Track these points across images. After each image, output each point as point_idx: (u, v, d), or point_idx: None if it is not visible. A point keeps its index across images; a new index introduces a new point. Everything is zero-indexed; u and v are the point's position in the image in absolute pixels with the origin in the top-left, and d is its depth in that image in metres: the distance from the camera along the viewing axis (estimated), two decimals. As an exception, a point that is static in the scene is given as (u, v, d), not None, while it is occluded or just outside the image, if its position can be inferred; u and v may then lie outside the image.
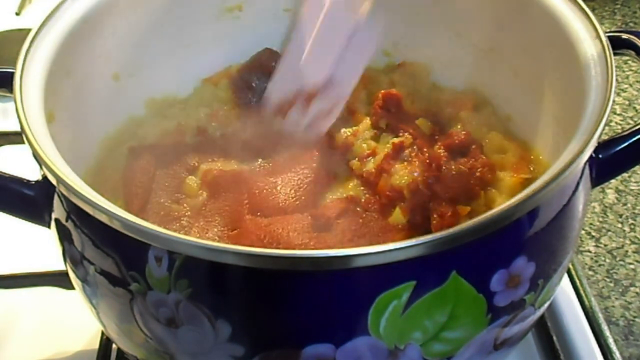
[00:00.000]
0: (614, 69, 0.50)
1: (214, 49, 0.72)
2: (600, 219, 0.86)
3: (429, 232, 0.56)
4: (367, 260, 0.40)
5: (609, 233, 0.84)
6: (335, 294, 0.42)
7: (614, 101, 0.48)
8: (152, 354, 0.49)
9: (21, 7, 1.11)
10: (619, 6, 1.32)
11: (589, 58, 0.52)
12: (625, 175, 0.92)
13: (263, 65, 0.71)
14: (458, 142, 0.63)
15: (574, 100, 0.51)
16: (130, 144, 0.65)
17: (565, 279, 0.70)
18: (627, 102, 1.05)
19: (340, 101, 0.64)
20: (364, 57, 0.64)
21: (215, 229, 0.58)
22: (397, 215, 0.58)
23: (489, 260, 0.44)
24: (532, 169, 0.60)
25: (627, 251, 0.82)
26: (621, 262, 0.81)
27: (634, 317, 0.75)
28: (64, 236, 0.49)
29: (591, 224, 0.86)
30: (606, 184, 0.89)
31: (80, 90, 0.60)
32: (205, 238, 0.57)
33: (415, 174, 0.58)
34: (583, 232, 0.85)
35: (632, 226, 0.85)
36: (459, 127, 0.64)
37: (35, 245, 0.67)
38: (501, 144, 0.63)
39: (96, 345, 0.64)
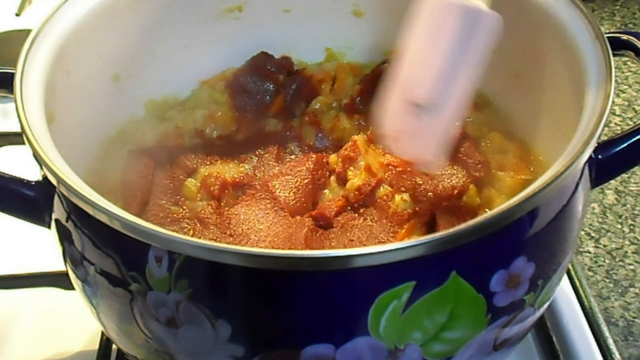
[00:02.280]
0: (613, 69, 0.50)
1: (213, 50, 0.72)
2: (600, 220, 0.86)
3: (432, 223, 0.56)
4: (367, 260, 0.40)
5: (609, 234, 0.84)
6: (335, 294, 0.42)
7: (613, 102, 0.48)
8: (152, 354, 0.49)
9: (21, 7, 1.11)
10: (618, 7, 1.33)
11: (588, 59, 0.52)
12: (624, 176, 0.92)
13: (258, 68, 0.71)
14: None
15: (574, 101, 0.51)
16: (130, 146, 0.65)
17: (565, 279, 0.70)
18: (626, 103, 1.05)
19: (438, 126, 0.53)
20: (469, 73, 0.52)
21: (215, 234, 0.58)
22: (399, 203, 0.58)
23: (488, 260, 0.44)
24: (532, 169, 0.60)
25: (626, 252, 0.82)
26: (620, 263, 0.81)
27: (634, 317, 0.75)
28: (64, 236, 0.49)
29: (591, 224, 0.86)
30: (606, 184, 0.89)
31: (80, 90, 0.60)
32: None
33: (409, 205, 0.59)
34: (582, 232, 0.85)
35: (632, 227, 0.85)
36: (457, 124, 0.64)
37: (35, 245, 0.67)
38: (502, 144, 0.63)
39: (96, 346, 0.64)
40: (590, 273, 0.80)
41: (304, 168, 0.63)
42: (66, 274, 0.52)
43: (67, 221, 0.48)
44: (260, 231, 0.58)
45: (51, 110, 0.53)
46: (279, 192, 0.61)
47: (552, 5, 0.57)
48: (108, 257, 0.45)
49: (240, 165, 0.66)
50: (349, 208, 0.60)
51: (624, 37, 0.56)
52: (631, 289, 0.78)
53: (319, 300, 0.42)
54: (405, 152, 0.56)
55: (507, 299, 0.45)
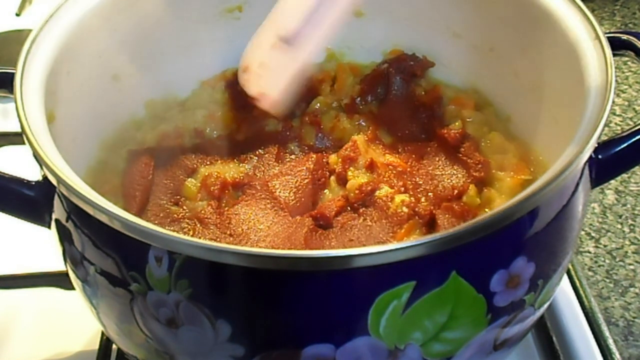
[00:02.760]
0: (613, 69, 0.50)
1: (213, 50, 0.72)
2: (600, 220, 0.86)
3: (432, 223, 0.56)
4: (367, 260, 0.40)
5: (609, 234, 0.84)
6: (335, 294, 0.42)
7: (613, 102, 0.48)
8: (152, 354, 0.49)
9: (21, 7, 1.11)
10: (618, 7, 1.33)
11: (588, 59, 0.52)
12: (624, 176, 0.92)
13: None
14: (451, 139, 0.63)
15: (574, 101, 0.51)
16: (130, 146, 0.65)
17: (565, 279, 0.70)
18: (626, 103, 1.05)
19: (295, 64, 0.57)
20: (334, 17, 0.55)
21: (215, 234, 0.58)
22: (399, 203, 0.58)
23: (488, 260, 0.44)
24: (532, 169, 0.60)
25: (626, 252, 0.82)
26: (621, 263, 0.81)
27: (634, 317, 0.75)
28: (64, 236, 0.49)
29: (591, 224, 0.86)
30: (606, 184, 0.89)
31: (80, 90, 0.60)
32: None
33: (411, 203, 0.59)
34: (583, 232, 0.85)
35: (632, 227, 0.85)
36: (457, 124, 0.65)
37: (35, 245, 0.67)
38: (502, 144, 0.63)
39: (96, 346, 0.64)
40: (590, 273, 0.80)
41: (304, 168, 0.63)
42: (66, 274, 0.52)
43: (67, 221, 0.48)
44: (260, 231, 0.58)
45: (51, 110, 0.53)
46: (279, 192, 0.61)
47: (552, 5, 0.57)
48: (108, 257, 0.45)
49: (241, 165, 0.66)
50: (348, 208, 0.60)
51: (624, 37, 0.56)
52: (631, 289, 0.78)
53: (319, 300, 0.42)
54: (257, 85, 0.58)
55: (507, 299, 0.45)
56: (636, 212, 0.87)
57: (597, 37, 0.53)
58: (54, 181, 0.46)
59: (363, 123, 0.68)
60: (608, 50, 0.51)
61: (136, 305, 0.45)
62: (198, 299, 0.43)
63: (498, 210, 0.42)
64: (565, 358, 0.63)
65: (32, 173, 0.51)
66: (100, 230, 0.44)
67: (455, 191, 0.60)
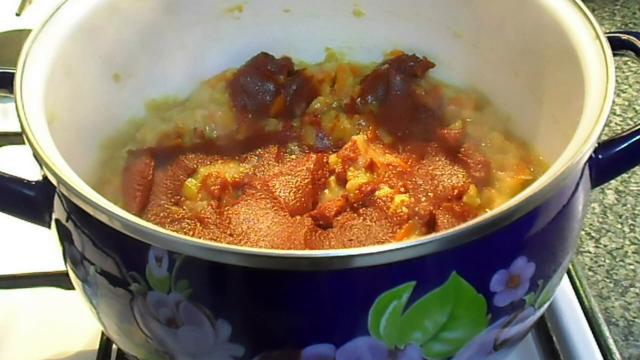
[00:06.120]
0: (613, 69, 0.50)
1: (213, 50, 0.72)
2: (600, 220, 0.86)
3: (432, 223, 0.56)
4: (367, 260, 0.40)
5: (609, 234, 0.84)
6: (335, 294, 0.42)
7: (613, 102, 0.48)
8: (152, 354, 0.49)
9: (21, 7, 1.11)
10: (618, 7, 1.32)
11: (588, 59, 0.52)
12: (625, 175, 0.92)
13: (258, 68, 0.71)
14: (451, 139, 0.63)
15: (574, 101, 0.51)
16: (130, 146, 0.65)
17: (565, 279, 0.70)
18: (626, 103, 1.05)
19: None
20: None
21: (215, 234, 0.58)
22: (399, 204, 0.58)
23: (489, 260, 0.44)
24: (532, 169, 0.60)
25: (626, 252, 0.82)
26: (621, 263, 0.81)
27: (634, 317, 0.75)
28: (65, 236, 0.49)
29: (591, 224, 0.85)
30: (606, 184, 0.89)
31: (81, 90, 0.60)
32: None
33: (411, 204, 0.59)
34: (583, 232, 0.85)
35: (632, 227, 0.85)
36: (457, 124, 0.65)
37: (35, 245, 0.67)
38: (502, 144, 0.63)
39: (96, 346, 0.64)
40: (590, 273, 0.80)
41: (304, 168, 0.63)
42: (66, 274, 0.52)
43: (67, 221, 0.48)
44: (260, 231, 0.58)
45: (51, 110, 0.53)
46: (279, 191, 0.61)
47: (552, 5, 0.57)
48: (108, 257, 0.45)
49: (241, 165, 0.66)
50: (348, 208, 0.60)
51: (624, 36, 0.56)
52: (631, 289, 0.78)
53: (319, 300, 0.42)
54: None
55: (507, 299, 0.45)
56: (636, 212, 0.87)
57: (597, 37, 0.53)
58: (54, 181, 0.46)
59: (363, 123, 0.68)
60: (608, 50, 0.51)
61: (136, 305, 0.45)
62: (198, 299, 0.43)
63: (498, 210, 0.42)
64: (565, 358, 0.63)
65: (32, 173, 0.51)
66: (100, 230, 0.44)
67: (456, 191, 0.60)
